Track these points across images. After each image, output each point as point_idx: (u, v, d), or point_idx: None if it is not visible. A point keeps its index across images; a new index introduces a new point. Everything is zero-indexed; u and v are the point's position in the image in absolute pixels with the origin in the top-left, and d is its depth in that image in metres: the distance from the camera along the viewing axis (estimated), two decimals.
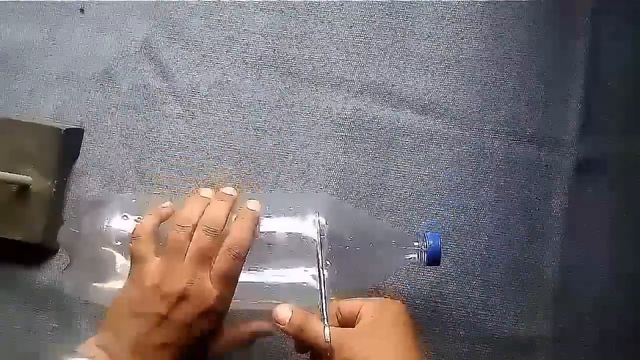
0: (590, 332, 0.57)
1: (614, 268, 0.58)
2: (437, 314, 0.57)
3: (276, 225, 0.48)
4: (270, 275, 0.47)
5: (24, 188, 0.56)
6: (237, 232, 0.44)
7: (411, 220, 0.59)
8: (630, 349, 0.57)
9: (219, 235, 0.44)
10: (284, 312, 0.44)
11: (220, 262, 0.43)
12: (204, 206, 0.45)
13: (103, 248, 0.47)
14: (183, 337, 0.42)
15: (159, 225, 0.46)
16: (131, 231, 0.45)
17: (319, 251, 0.45)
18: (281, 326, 0.43)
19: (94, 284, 0.48)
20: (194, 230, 0.44)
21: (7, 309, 0.58)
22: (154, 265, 0.43)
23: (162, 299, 0.42)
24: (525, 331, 0.57)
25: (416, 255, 0.49)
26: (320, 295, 0.44)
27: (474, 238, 0.58)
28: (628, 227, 0.59)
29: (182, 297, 0.42)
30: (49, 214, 0.57)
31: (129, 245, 0.45)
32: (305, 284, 0.46)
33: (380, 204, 0.59)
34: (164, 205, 0.47)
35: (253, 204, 0.46)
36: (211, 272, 0.43)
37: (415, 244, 0.49)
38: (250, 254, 0.45)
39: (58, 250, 0.59)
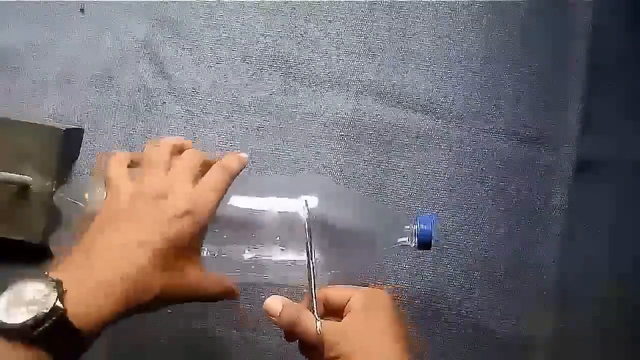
0: (590, 332, 0.57)
1: (614, 268, 0.58)
2: (437, 314, 0.57)
3: (270, 206, 0.48)
4: (260, 253, 0.47)
5: (24, 188, 0.56)
6: (229, 157, 0.45)
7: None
8: (630, 349, 0.57)
9: (200, 160, 0.44)
10: (274, 304, 0.43)
11: (210, 174, 0.43)
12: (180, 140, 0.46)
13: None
14: (159, 238, 0.39)
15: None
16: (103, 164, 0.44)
17: (309, 245, 0.44)
18: (272, 318, 0.43)
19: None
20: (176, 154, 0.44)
21: None
22: (130, 183, 0.42)
23: (141, 198, 0.40)
24: (526, 331, 0.57)
25: (407, 239, 0.49)
26: (310, 288, 0.44)
27: (474, 238, 0.58)
28: (628, 227, 0.59)
29: (162, 195, 0.41)
30: (49, 214, 0.57)
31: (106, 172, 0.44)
32: (293, 264, 0.46)
33: (380, 204, 0.59)
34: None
35: (243, 154, 0.47)
36: (198, 184, 0.42)
37: (407, 227, 0.49)
38: (240, 231, 0.45)
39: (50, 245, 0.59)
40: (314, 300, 0.44)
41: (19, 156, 0.56)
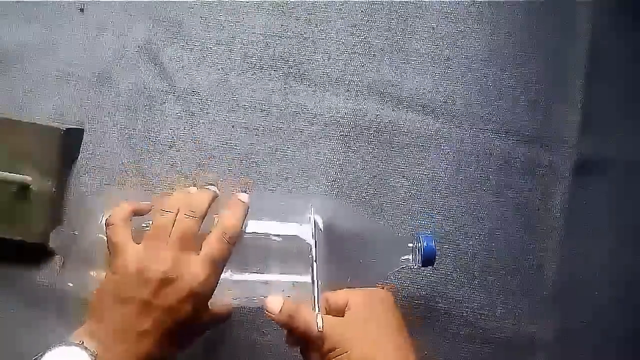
0: (590, 332, 0.57)
1: (614, 268, 0.58)
2: (437, 314, 0.57)
3: (272, 226, 0.48)
4: (266, 275, 0.47)
5: (24, 188, 0.56)
6: (228, 219, 0.45)
7: (411, 220, 0.59)
8: (630, 349, 0.57)
9: (200, 219, 0.44)
10: (275, 302, 0.43)
11: (210, 245, 0.43)
12: (187, 195, 0.46)
13: (99, 235, 0.47)
14: (167, 322, 0.42)
15: (136, 216, 0.46)
16: (105, 220, 0.45)
17: (313, 243, 0.45)
18: (272, 315, 0.43)
19: (91, 273, 0.48)
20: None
21: (7, 308, 0.58)
22: (134, 250, 0.43)
23: (145, 283, 0.42)
24: (525, 331, 0.57)
25: (411, 257, 0.49)
26: (312, 285, 0.44)
27: (473, 238, 0.58)
28: (628, 227, 0.59)
29: (165, 281, 0.42)
30: (49, 214, 0.57)
31: (106, 233, 0.44)
32: (298, 282, 0.46)
33: (380, 204, 0.59)
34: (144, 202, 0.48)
35: (243, 196, 0.47)
36: (200, 256, 0.43)
37: (409, 245, 0.49)
38: (245, 254, 0.45)
39: (52, 248, 0.59)
40: (316, 295, 0.44)
41: (19, 156, 0.56)
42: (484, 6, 0.62)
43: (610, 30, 0.62)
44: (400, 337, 0.43)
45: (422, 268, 0.56)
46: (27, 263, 0.58)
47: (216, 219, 0.46)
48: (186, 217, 0.44)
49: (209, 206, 0.45)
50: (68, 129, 0.58)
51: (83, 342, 0.40)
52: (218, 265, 0.44)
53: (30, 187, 0.56)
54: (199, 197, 0.46)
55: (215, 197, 0.47)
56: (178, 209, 0.44)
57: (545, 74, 0.61)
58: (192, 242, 0.43)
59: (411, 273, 0.58)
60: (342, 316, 0.44)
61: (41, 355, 0.39)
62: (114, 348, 0.41)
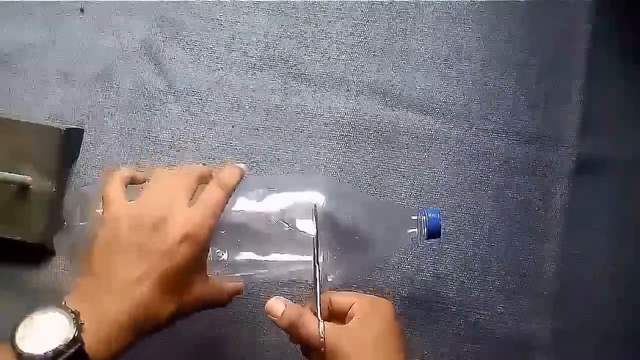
0: (590, 332, 0.57)
1: (614, 268, 0.58)
2: (436, 313, 0.57)
3: (276, 207, 0.47)
4: (272, 256, 0.47)
5: (24, 188, 0.56)
6: (225, 171, 0.45)
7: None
8: (630, 349, 0.57)
9: (195, 178, 0.44)
10: (276, 305, 0.43)
11: (207, 192, 0.43)
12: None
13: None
14: (163, 266, 0.40)
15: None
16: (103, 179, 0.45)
17: (315, 249, 0.45)
18: (274, 319, 0.43)
19: None
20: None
21: (6, 308, 0.58)
22: (127, 202, 0.43)
23: (140, 227, 0.41)
24: (525, 331, 0.57)
25: (416, 230, 0.49)
26: (314, 291, 0.44)
27: (474, 238, 0.58)
28: (628, 227, 0.59)
29: (160, 221, 0.41)
30: (49, 214, 0.57)
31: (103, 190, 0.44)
32: (302, 267, 0.46)
33: None
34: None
35: (241, 165, 0.47)
36: (195, 202, 0.42)
37: (414, 217, 0.49)
38: (248, 235, 0.45)
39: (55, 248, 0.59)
40: (318, 301, 0.44)
41: (19, 156, 0.56)
42: (483, 6, 0.62)
43: (610, 31, 0.62)
44: (396, 353, 0.43)
45: (430, 267, 0.56)
46: (27, 263, 0.58)
47: None
48: (187, 172, 0.44)
49: (199, 174, 0.45)
50: (68, 129, 0.58)
51: (65, 303, 0.38)
52: (212, 210, 0.42)
53: (30, 187, 0.56)
54: (200, 166, 0.46)
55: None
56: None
57: (545, 74, 0.61)
58: (190, 191, 0.43)
59: (411, 273, 0.58)
60: (343, 321, 0.44)
61: (15, 329, 0.38)
62: (103, 300, 0.39)
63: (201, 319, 0.57)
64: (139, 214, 0.41)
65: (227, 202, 0.44)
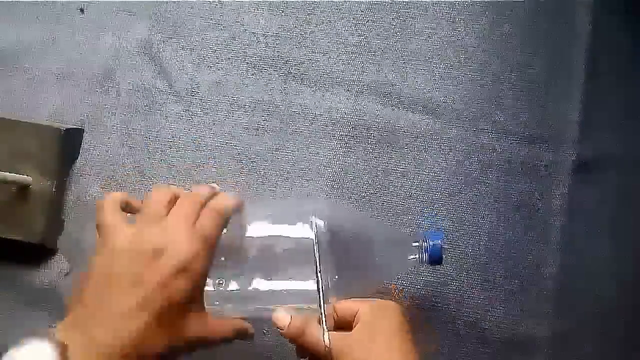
0: (590, 332, 0.57)
1: (614, 268, 0.58)
2: (437, 314, 0.57)
3: (276, 232, 0.48)
4: (274, 283, 0.47)
5: (24, 188, 0.56)
6: (219, 198, 0.44)
7: (411, 220, 0.59)
8: (630, 349, 0.57)
9: (201, 206, 0.43)
10: (282, 317, 0.44)
11: (202, 220, 0.42)
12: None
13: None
14: (158, 300, 0.39)
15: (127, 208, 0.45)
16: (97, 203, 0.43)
17: (317, 255, 0.45)
18: (281, 331, 0.44)
19: None
20: (173, 203, 0.43)
21: (7, 308, 0.58)
22: (123, 231, 0.41)
23: (135, 257, 0.39)
24: (525, 331, 0.57)
25: (418, 255, 0.49)
26: (318, 300, 0.44)
27: (474, 238, 0.58)
28: (628, 227, 0.59)
29: (156, 253, 0.39)
30: (49, 214, 0.57)
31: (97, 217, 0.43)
32: (308, 290, 0.46)
33: (380, 204, 0.59)
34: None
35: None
36: (190, 230, 0.41)
37: (415, 243, 0.49)
38: (251, 262, 0.45)
39: (58, 251, 0.59)
40: (322, 311, 0.44)
41: (19, 156, 0.56)
42: (484, 6, 0.62)
43: (610, 30, 0.62)
44: (407, 354, 0.43)
45: (429, 267, 0.56)
46: (27, 263, 0.58)
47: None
48: (187, 200, 0.43)
49: (207, 199, 0.44)
50: (68, 129, 0.58)
51: (54, 334, 0.37)
52: (208, 238, 0.41)
53: (30, 187, 0.56)
54: (198, 189, 0.45)
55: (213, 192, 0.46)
56: (174, 197, 0.43)
57: (545, 74, 0.61)
58: (190, 218, 0.42)
59: (411, 273, 0.58)
60: (350, 329, 0.44)
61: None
62: (95, 332, 0.38)
63: None
64: (137, 243, 0.40)
65: (222, 228, 0.43)
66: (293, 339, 0.44)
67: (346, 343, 0.43)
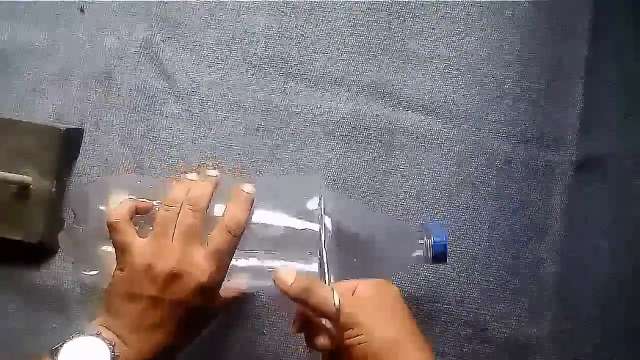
0: (590, 332, 0.57)
1: (614, 268, 0.58)
2: (437, 314, 0.57)
3: (277, 212, 0.47)
4: (272, 261, 0.47)
5: (24, 188, 0.56)
6: (232, 211, 0.45)
7: (411, 220, 0.59)
8: (630, 349, 0.57)
9: (202, 211, 0.44)
10: (286, 273, 0.41)
11: (216, 239, 0.43)
12: (189, 187, 0.46)
13: (100, 217, 0.46)
14: (178, 314, 0.43)
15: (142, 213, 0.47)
16: (107, 221, 0.45)
17: (321, 220, 0.44)
18: (284, 288, 0.40)
19: (103, 248, 0.48)
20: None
21: (7, 308, 0.58)
22: (140, 246, 0.43)
23: (154, 279, 0.42)
24: (525, 331, 0.57)
25: (423, 253, 0.49)
26: (320, 263, 0.43)
27: (474, 238, 0.58)
28: (628, 227, 0.59)
29: (173, 276, 0.42)
30: (49, 214, 0.57)
31: (109, 234, 0.44)
32: (307, 270, 0.46)
33: (380, 204, 0.59)
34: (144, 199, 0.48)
35: (247, 187, 0.46)
36: (206, 250, 0.43)
37: (420, 241, 0.49)
38: (250, 240, 0.45)
39: (58, 250, 0.59)
40: (326, 270, 0.43)
41: (19, 156, 0.56)
42: (484, 6, 0.62)
43: (610, 30, 0.62)
44: (414, 325, 0.43)
45: (429, 267, 0.56)
46: (27, 263, 0.58)
47: (222, 209, 0.46)
48: (189, 211, 0.44)
49: (211, 195, 0.46)
50: (68, 129, 0.58)
51: (100, 333, 0.41)
52: (224, 258, 0.44)
53: (30, 187, 0.56)
54: (200, 189, 0.46)
55: (216, 184, 0.47)
56: (181, 203, 0.44)
57: (545, 74, 0.61)
58: (196, 235, 0.44)
59: (411, 273, 0.58)
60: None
61: (61, 345, 0.40)
62: (129, 338, 0.42)
63: None
64: (154, 265, 0.43)
65: (236, 246, 0.44)
66: (298, 298, 0.40)
67: (353, 306, 0.41)
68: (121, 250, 0.44)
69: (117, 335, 0.42)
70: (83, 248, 0.48)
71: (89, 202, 0.48)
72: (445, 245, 0.48)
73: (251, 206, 0.46)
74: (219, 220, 0.44)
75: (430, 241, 0.48)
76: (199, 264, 0.43)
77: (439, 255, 0.49)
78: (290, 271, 0.41)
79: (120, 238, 0.44)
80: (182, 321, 0.43)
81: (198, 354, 0.56)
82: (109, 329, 0.43)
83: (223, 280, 0.44)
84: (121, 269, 0.44)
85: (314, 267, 0.45)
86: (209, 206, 0.45)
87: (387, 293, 0.44)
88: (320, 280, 0.44)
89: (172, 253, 0.43)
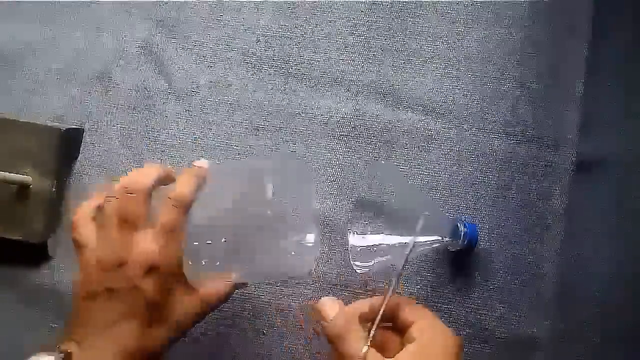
0: (590, 332, 0.57)
1: (614, 268, 0.58)
2: (437, 314, 0.57)
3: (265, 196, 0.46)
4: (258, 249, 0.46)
5: (24, 188, 0.56)
6: (178, 185, 0.43)
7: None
8: (630, 349, 0.57)
9: (143, 194, 0.42)
10: (329, 307, 0.40)
11: (162, 214, 0.42)
12: (129, 175, 0.44)
13: None
14: (138, 304, 0.41)
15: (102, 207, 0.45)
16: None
17: (407, 256, 0.44)
18: (322, 322, 0.40)
19: None
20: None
21: (7, 308, 0.58)
22: (91, 242, 0.42)
23: (104, 272, 0.41)
24: (525, 331, 0.57)
25: (460, 238, 0.53)
26: (382, 303, 0.41)
27: None
28: (628, 227, 0.59)
29: (120, 263, 0.41)
30: (49, 214, 0.57)
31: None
32: (295, 251, 0.45)
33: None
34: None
35: (200, 162, 0.46)
36: (154, 229, 0.42)
37: (461, 230, 0.53)
38: (234, 231, 0.44)
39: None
40: (376, 322, 0.41)
41: (19, 156, 0.56)
42: (483, 6, 0.62)
43: (610, 30, 0.62)
44: None
45: (429, 267, 0.56)
46: (27, 263, 0.58)
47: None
48: (125, 196, 0.42)
49: (156, 179, 0.43)
50: (68, 129, 0.58)
51: (59, 347, 0.40)
52: (172, 234, 0.42)
53: (30, 187, 0.56)
54: (139, 173, 0.44)
55: (162, 168, 0.45)
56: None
57: (545, 73, 0.61)
58: (138, 218, 0.42)
59: (411, 273, 0.58)
60: (402, 335, 0.42)
61: None
62: (94, 342, 0.40)
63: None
64: (101, 258, 0.41)
65: (185, 216, 0.43)
66: (329, 338, 0.40)
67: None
68: (76, 250, 0.43)
69: (80, 344, 0.40)
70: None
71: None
72: (477, 234, 0.54)
73: (200, 181, 0.44)
74: (167, 196, 0.43)
75: (467, 229, 0.53)
76: (144, 247, 0.41)
77: (472, 242, 0.54)
78: (335, 304, 0.41)
79: (75, 237, 0.43)
80: (145, 311, 0.41)
81: (198, 354, 0.56)
82: (77, 340, 0.41)
83: (175, 257, 0.42)
84: (79, 271, 0.42)
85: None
86: (153, 188, 0.43)
87: (437, 351, 0.41)
88: (387, 286, 0.43)
89: (115, 242, 0.41)
